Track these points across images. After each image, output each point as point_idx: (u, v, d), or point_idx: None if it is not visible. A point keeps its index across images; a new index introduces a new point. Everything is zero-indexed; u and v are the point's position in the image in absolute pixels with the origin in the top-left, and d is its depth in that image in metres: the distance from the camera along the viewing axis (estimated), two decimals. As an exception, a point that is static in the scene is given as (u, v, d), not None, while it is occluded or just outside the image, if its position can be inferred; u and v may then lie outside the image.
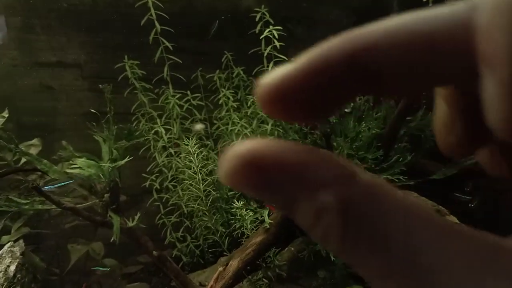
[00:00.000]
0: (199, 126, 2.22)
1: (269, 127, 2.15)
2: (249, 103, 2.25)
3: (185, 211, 2.17)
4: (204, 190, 2.05)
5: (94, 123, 2.09)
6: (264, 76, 0.22)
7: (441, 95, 0.24)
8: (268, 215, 1.86)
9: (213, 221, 2.10)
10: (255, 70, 2.22)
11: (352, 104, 2.01)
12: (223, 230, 2.09)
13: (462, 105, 0.24)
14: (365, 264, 0.18)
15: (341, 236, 0.18)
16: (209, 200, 2.07)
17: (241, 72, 2.30)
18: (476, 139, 0.25)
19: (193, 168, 2.02)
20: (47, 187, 1.97)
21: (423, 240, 0.17)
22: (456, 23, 0.19)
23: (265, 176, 0.19)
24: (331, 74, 0.21)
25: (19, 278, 1.78)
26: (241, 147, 0.19)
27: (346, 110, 1.97)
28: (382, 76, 0.21)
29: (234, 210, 1.84)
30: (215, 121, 2.34)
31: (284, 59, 2.12)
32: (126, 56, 2.15)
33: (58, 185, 1.98)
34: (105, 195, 1.95)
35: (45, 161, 1.93)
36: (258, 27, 2.11)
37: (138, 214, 1.91)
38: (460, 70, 0.20)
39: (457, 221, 1.89)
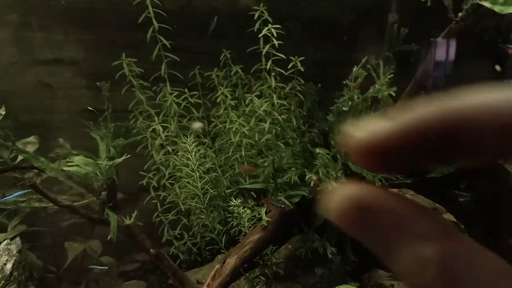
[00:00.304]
0: (197, 125, 2.21)
1: (267, 125, 2.15)
2: (246, 101, 2.25)
3: (183, 209, 2.17)
4: (202, 188, 2.04)
5: (92, 121, 2.09)
6: (357, 126, 0.23)
7: None
8: (266, 213, 1.86)
9: (210, 219, 2.10)
10: (253, 68, 2.22)
11: (350, 103, 2.01)
12: (221, 227, 2.09)
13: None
14: None
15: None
16: (206, 198, 2.07)
17: (239, 70, 2.30)
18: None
19: (191, 166, 2.02)
20: (3, 199, 1.93)
21: None
22: None
23: (370, 220, 0.21)
24: (425, 139, 0.22)
25: (16, 276, 1.78)
26: (348, 189, 0.22)
27: (344, 108, 1.97)
28: (471, 148, 0.22)
29: (231, 208, 1.84)
30: (212, 119, 2.34)
31: (282, 57, 2.12)
32: (123, 54, 2.14)
33: (16, 194, 1.94)
34: (102, 193, 1.95)
35: (42, 158, 1.92)
36: (257, 26, 2.11)
37: (135, 212, 1.90)
38: None
39: (453, 219, 1.90)
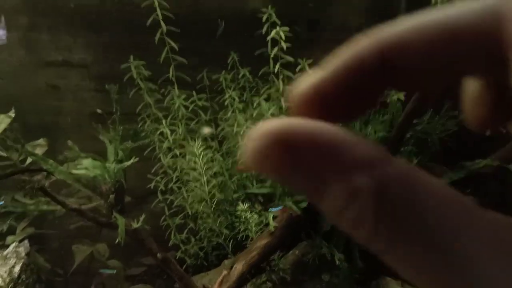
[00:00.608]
0: (206, 130, 2.21)
1: (274, 129, 2.14)
2: (254, 104, 2.24)
3: (190, 213, 2.16)
4: (209, 192, 2.04)
5: (100, 124, 2.09)
6: (296, 81, 0.22)
7: None
8: (273, 219, 1.85)
9: (217, 223, 2.10)
10: (261, 72, 2.21)
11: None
12: (228, 232, 2.09)
13: (491, 82, 0.24)
14: (398, 251, 0.17)
15: (374, 220, 0.17)
16: (213, 202, 2.06)
17: (247, 73, 2.28)
18: (506, 111, 0.25)
19: (198, 169, 2.01)
20: None
21: (459, 228, 0.17)
22: (484, 13, 0.20)
23: (295, 155, 0.18)
24: (363, 74, 0.21)
25: (24, 279, 1.79)
26: (269, 124, 0.18)
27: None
28: (411, 71, 0.21)
29: (238, 212, 1.84)
30: (220, 122, 2.33)
31: (291, 60, 2.11)
32: (131, 57, 2.14)
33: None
34: (110, 196, 1.96)
35: (51, 161, 1.93)
36: (265, 28, 2.09)
37: (143, 216, 1.91)
38: (488, 60, 0.20)
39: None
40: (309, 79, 0.22)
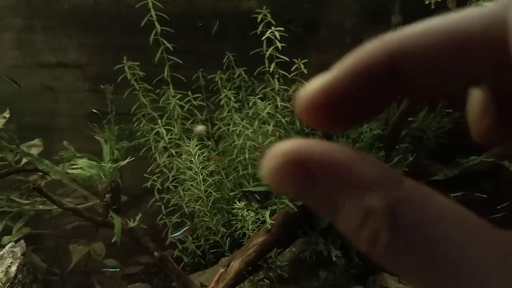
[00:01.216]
0: (200, 128, 2.21)
1: (270, 127, 2.15)
2: (250, 103, 2.25)
3: (186, 212, 2.17)
4: (205, 191, 2.04)
5: (95, 124, 2.09)
6: (302, 86, 0.23)
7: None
8: (270, 216, 1.86)
9: (214, 222, 2.10)
10: (256, 71, 2.23)
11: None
12: (224, 230, 2.09)
13: (496, 92, 0.24)
14: (411, 269, 0.18)
15: (390, 239, 0.18)
16: (210, 200, 2.06)
17: (243, 73, 2.30)
18: (510, 125, 0.25)
19: (194, 169, 2.02)
20: None
21: (469, 245, 0.17)
22: (489, 21, 0.20)
23: (310, 175, 0.19)
24: (370, 79, 0.21)
25: (20, 279, 1.78)
26: (285, 145, 0.19)
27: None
28: (419, 77, 0.21)
29: (235, 210, 1.84)
30: (216, 122, 2.34)
31: (286, 60, 2.12)
32: (125, 58, 2.15)
33: None
34: (106, 196, 1.95)
35: (46, 161, 1.92)
36: (260, 28, 2.11)
37: (139, 215, 1.90)
38: (494, 67, 0.20)
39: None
40: (316, 83, 0.22)
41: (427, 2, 1.95)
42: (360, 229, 0.18)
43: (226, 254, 2.04)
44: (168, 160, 2.20)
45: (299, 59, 2.14)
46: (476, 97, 0.25)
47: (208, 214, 2.10)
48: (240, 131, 2.18)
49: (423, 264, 0.18)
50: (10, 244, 1.87)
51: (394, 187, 0.18)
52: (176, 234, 1.67)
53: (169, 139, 2.20)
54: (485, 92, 0.24)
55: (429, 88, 0.22)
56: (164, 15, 2.07)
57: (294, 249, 1.98)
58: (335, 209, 0.19)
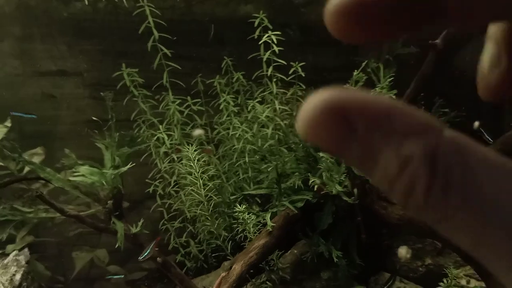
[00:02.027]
0: (198, 132, 2.23)
1: (269, 131, 2.17)
2: (249, 107, 2.27)
3: (188, 216, 2.18)
4: (206, 195, 2.06)
5: (96, 131, 2.11)
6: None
7: (491, 34, 0.24)
8: (270, 219, 1.88)
9: (215, 226, 2.12)
10: (254, 75, 2.24)
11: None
12: (226, 234, 2.11)
13: (510, 45, 0.23)
14: (453, 219, 0.17)
15: (428, 187, 0.17)
16: (211, 205, 2.08)
17: (241, 77, 2.31)
18: None
19: (194, 173, 2.03)
20: None
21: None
22: None
23: (348, 123, 0.18)
24: None
25: (25, 287, 1.80)
26: (323, 94, 0.18)
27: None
28: (449, 5, 0.20)
29: (236, 214, 1.85)
30: (215, 126, 2.35)
31: (283, 63, 2.14)
32: (123, 64, 2.16)
33: None
34: (108, 202, 1.97)
35: (48, 169, 1.94)
36: (257, 33, 2.12)
37: (142, 220, 1.92)
38: None
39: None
40: None
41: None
42: (397, 178, 0.17)
43: (228, 257, 2.06)
44: (169, 165, 2.21)
45: (297, 63, 2.16)
46: (489, 48, 0.24)
47: (209, 218, 2.12)
48: (239, 135, 2.20)
49: (466, 215, 0.17)
50: (14, 253, 1.89)
51: (433, 135, 0.17)
52: (145, 254, 1.69)
53: (169, 144, 2.21)
54: (499, 43, 0.23)
55: (458, 18, 0.20)
56: (162, 22, 2.09)
57: (295, 251, 2.00)
58: (373, 160, 0.18)
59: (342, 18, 0.20)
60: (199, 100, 2.30)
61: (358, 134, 0.18)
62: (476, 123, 2.07)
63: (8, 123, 2.12)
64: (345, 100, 0.18)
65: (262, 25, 2.12)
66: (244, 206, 1.84)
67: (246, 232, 1.87)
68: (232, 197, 2.12)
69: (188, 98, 2.27)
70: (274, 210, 1.93)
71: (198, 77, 2.32)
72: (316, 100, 0.18)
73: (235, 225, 1.96)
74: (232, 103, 2.28)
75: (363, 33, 0.21)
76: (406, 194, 0.18)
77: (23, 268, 1.82)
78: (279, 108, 2.22)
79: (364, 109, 0.18)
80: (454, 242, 0.18)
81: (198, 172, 2.03)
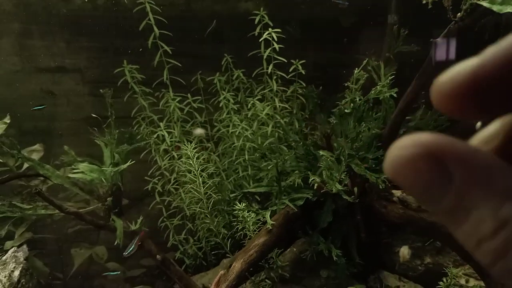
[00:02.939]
0: (199, 131, 2.22)
1: (269, 128, 2.16)
2: (249, 105, 2.26)
3: (188, 214, 2.18)
4: (205, 193, 2.05)
5: (96, 128, 2.10)
6: (444, 71, 0.21)
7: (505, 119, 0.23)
8: (270, 217, 1.87)
9: (215, 223, 2.11)
10: (254, 72, 2.24)
11: (352, 104, 2.02)
12: (225, 232, 2.10)
13: None
14: None
15: None
16: (210, 202, 2.07)
17: (241, 75, 2.31)
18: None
19: (193, 171, 2.03)
20: None
21: None
22: None
23: (445, 171, 0.17)
24: None
25: (23, 283, 1.79)
26: (421, 136, 0.18)
27: (346, 110, 1.98)
28: None
29: (236, 212, 1.85)
30: (215, 124, 2.35)
31: (283, 61, 2.13)
32: (125, 61, 2.16)
33: None
34: (108, 199, 1.96)
35: (47, 166, 1.93)
36: (257, 30, 2.12)
37: (141, 218, 1.92)
38: None
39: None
40: (463, 66, 0.20)
41: (424, 2, 1.96)
42: (489, 239, 0.17)
43: (227, 255, 2.05)
44: (169, 162, 2.21)
45: (297, 60, 2.15)
46: (492, 130, 0.23)
47: (208, 216, 2.11)
48: (239, 132, 2.19)
49: None
50: (12, 249, 1.88)
51: None
52: (130, 250, 1.69)
53: (169, 141, 2.21)
54: (507, 133, 0.23)
55: None
56: (162, 19, 2.08)
57: (295, 249, 1.99)
58: (465, 214, 0.17)
59: (454, 98, 0.20)
60: (199, 97, 2.29)
61: (455, 185, 0.17)
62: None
63: (7, 120, 2.11)
64: (445, 147, 0.17)
65: (263, 22, 2.12)
66: (243, 204, 1.83)
67: (245, 230, 1.87)
68: (231, 195, 2.12)
69: (188, 95, 2.26)
70: (274, 208, 1.92)
71: (198, 74, 2.32)
72: (412, 140, 0.18)
73: (235, 223, 1.96)
74: (232, 100, 2.28)
75: (478, 110, 0.21)
76: (497, 256, 0.17)
77: (21, 265, 1.82)
78: (279, 106, 2.22)
79: (464, 160, 0.17)
80: None
81: (198, 170, 2.03)
